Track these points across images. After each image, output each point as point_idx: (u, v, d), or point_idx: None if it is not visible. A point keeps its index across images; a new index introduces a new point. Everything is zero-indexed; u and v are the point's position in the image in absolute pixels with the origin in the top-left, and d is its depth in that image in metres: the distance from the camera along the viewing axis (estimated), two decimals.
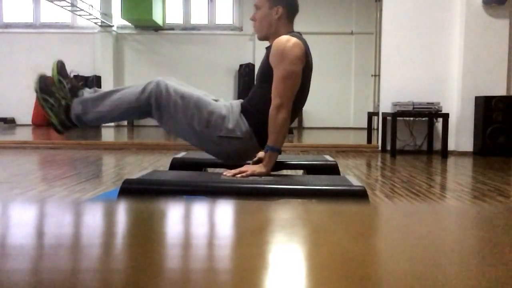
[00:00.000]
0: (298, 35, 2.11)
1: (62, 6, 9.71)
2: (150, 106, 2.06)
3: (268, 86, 2.02)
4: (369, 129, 6.85)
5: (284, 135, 2.00)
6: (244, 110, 2.12)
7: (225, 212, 0.50)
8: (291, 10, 2.16)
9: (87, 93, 2.15)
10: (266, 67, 2.06)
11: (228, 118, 2.08)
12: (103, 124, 2.19)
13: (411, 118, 5.80)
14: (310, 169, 2.36)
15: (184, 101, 2.05)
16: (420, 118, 5.82)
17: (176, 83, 2.11)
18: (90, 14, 10.12)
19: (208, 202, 0.54)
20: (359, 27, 10.95)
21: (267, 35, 2.17)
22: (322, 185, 1.77)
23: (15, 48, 11.29)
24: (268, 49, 2.10)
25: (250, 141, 2.10)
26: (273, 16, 2.13)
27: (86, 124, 2.15)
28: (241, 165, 2.02)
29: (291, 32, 2.14)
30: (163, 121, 2.09)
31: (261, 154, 2.16)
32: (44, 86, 2.13)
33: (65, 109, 2.12)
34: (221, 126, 2.06)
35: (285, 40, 2.02)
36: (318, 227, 0.44)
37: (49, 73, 2.21)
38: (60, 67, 2.17)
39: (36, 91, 2.14)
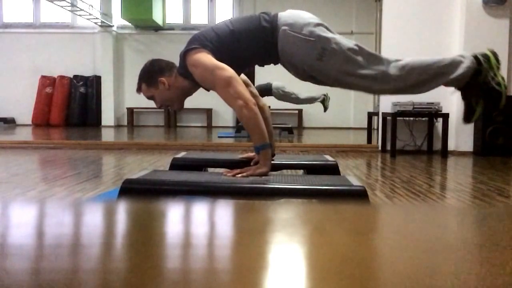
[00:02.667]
0: (180, 58, 2.13)
1: (62, 6, 9.71)
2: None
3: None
4: (369, 129, 6.85)
5: (262, 128, 1.99)
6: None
7: (225, 212, 0.50)
8: (165, 69, 2.21)
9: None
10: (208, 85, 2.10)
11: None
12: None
13: (411, 118, 5.80)
14: (310, 169, 2.36)
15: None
16: (420, 118, 5.82)
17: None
18: (90, 14, 10.12)
19: (208, 202, 0.54)
20: (359, 27, 10.95)
21: (181, 99, 2.26)
22: (322, 185, 1.77)
23: (15, 48, 11.29)
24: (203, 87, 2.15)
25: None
26: (166, 89, 2.20)
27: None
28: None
29: (179, 68, 2.18)
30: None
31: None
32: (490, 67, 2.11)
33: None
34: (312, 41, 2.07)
35: (193, 70, 2.05)
36: (318, 227, 0.44)
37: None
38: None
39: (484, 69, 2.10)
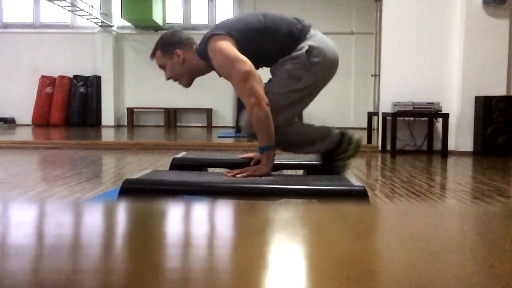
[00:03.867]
0: (205, 37, 2.11)
1: (62, 6, 9.71)
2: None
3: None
4: (369, 129, 6.85)
5: (271, 129, 1.99)
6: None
7: (225, 212, 0.50)
8: (185, 43, 2.19)
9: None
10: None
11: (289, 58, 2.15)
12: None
13: (411, 118, 5.80)
14: (310, 169, 2.36)
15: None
16: (420, 118, 5.82)
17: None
18: (90, 14, 10.12)
19: (208, 202, 0.54)
20: (359, 27, 10.94)
21: (191, 77, 2.23)
22: (322, 185, 1.77)
23: (15, 48, 11.29)
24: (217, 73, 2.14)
25: (311, 40, 2.17)
26: (179, 62, 2.17)
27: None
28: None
29: (198, 49, 2.16)
30: None
31: (259, 155, 2.16)
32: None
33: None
34: (300, 55, 2.12)
35: (214, 56, 2.04)
36: (318, 227, 0.44)
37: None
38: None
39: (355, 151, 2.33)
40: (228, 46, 2.01)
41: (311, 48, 2.10)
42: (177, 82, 2.26)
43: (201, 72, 2.21)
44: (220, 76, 2.14)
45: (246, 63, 1.98)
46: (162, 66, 2.21)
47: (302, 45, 2.10)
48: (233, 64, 1.98)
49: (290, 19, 2.19)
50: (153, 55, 2.23)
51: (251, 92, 1.95)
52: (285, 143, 2.18)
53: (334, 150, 2.22)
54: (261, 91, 1.97)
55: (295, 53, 2.09)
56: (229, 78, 2.04)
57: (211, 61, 2.07)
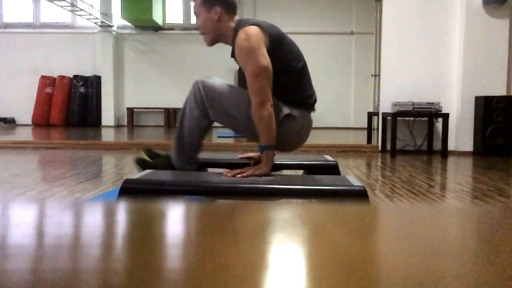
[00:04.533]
0: (247, 21, 2.09)
1: (62, 6, 9.71)
2: (206, 107, 2.10)
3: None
4: (369, 129, 6.85)
5: (273, 130, 1.99)
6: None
7: (225, 212, 0.50)
8: (230, 6, 2.15)
9: (173, 152, 2.23)
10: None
11: (278, 102, 2.10)
12: (199, 152, 2.35)
13: (411, 118, 5.80)
14: (310, 169, 2.36)
15: (237, 95, 2.09)
16: (420, 118, 5.82)
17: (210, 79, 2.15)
18: (90, 14, 10.12)
19: (208, 202, 0.54)
20: (359, 27, 10.94)
21: (215, 38, 2.19)
22: (322, 185, 1.77)
23: (15, 48, 11.29)
24: (233, 54, 2.11)
25: (299, 114, 2.12)
26: (214, 18, 2.13)
27: (191, 167, 2.24)
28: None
29: (238, 24, 2.12)
30: (222, 120, 2.13)
31: (258, 155, 2.16)
32: (144, 165, 2.24)
33: (171, 167, 2.24)
34: (278, 113, 2.08)
35: (241, 39, 2.02)
36: (318, 227, 0.44)
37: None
38: (149, 152, 2.29)
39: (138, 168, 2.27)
40: (260, 38, 2.00)
41: (291, 118, 2.10)
42: (202, 35, 2.22)
43: (226, 41, 2.17)
44: (233, 57, 2.12)
45: (265, 59, 1.98)
46: (196, 13, 2.17)
47: (290, 110, 2.10)
48: (253, 54, 1.97)
49: (311, 83, 2.21)
50: None
51: (259, 90, 1.95)
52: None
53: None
54: (268, 92, 1.97)
55: (276, 108, 2.07)
56: (243, 66, 2.02)
57: (236, 40, 2.04)
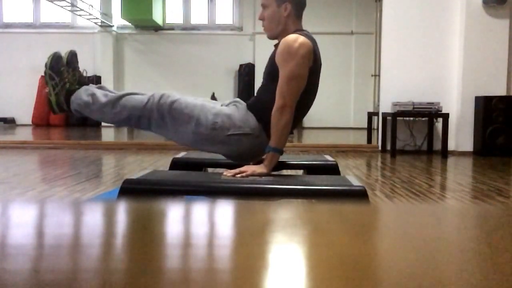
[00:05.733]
0: (307, 33, 2.08)
1: (62, 6, 9.71)
2: (151, 118, 2.06)
3: (276, 85, 2.02)
4: (369, 129, 6.85)
5: (286, 136, 1.99)
6: (251, 106, 2.11)
7: (225, 212, 0.50)
8: (299, 6, 2.15)
9: (95, 88, 2.15)
10: (274, 66, 2.05)
11: (234, 115, 2.06)
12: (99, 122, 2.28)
13: (411, 118, 5.80)
14: (310, 169, 2.36)
15: (188, 109, 2.05)
16: (420, 118, 5.82)
17: (179, 95, 2.12)
18: (90, 14, 10.12)
19: (208, 202, 0.54)
20: (359, 27, 10.94)
21: (277, 34, 2.15)
22: (322, 185, 1.77)
23: (15, 48, 11.29)
24: (276, 46, 2.09)
25: (260, 137, 2.07)
26: (282, 14, 2.12)
27: (83, 115, 2.18)
28: (245, 165, 2.02)
29: (299, 30, 2.12)
30: (165, 132, 2.10)
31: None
32: (55, 64, 2.15)
33: (67, 92, 2.14)
34: (228, 125, 2.05)
35: (293, 39, 2.00)
36: (318, 227, 0.44)
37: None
38: (71, 56, 2.20)
39: (45, 66, 2.17)
40: (308, 52, 1.99)
41: (247, 135, 2.06)
42: (264, 27, 2.20)
43: (282, 36, 2.12)
44: (273, 52, 2.09)
45: (304, 69, 1.97)
46: (264, 5, 2.15)
47: (257, 129, 2.07)
48: (296, 59, 1.96)
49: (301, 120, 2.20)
50: None
51: (287, 94, 1.95)
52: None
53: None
54: (294, 99, 1.97)
55: (243, 121, 2.06)
56: (280, 64, 2.00)
57: (286, 37, 2.02)
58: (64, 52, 2.21)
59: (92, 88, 2.15)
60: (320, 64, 2.12)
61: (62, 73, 2.15)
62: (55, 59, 2.16)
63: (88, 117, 2.20)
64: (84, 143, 6.13)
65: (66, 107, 2.16)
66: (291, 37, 2.02)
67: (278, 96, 1.97)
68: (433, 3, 5.77)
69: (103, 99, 2.10)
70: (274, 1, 2.12)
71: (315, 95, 2.18)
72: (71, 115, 2.24)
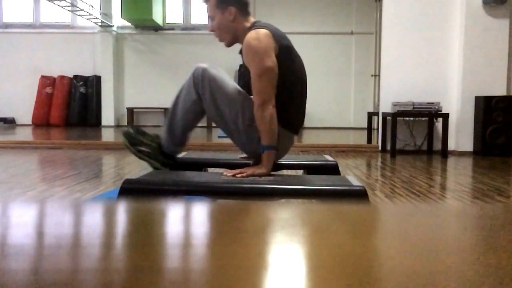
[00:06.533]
0: (261, 24, 2.09)
1: (62, 6, 9.71)
2: (199, 94, 2.09)
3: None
4: (369, 129, 6.85)
5: (275, 131, 1.99)
6: None
7: (225, 212, 0.50)
8: (242, 4, 2.15)
9: (163, 131, 2.26)
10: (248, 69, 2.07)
11: None
12: (189, 137, 2.34)
13: (411, 118, 5.80)
14: (310, 169, 2.36)
15: (234, 97, 2.07)
16: (420, 118, 5.82)
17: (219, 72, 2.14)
18: (90, 14, 10.12)
19: (208, 202, 0.54)
20: (359, 27, 10.94)
21: (233, 39, 2.18)
22: (322, 185, 1.77)
23: (15, 48, 11.29)
24: (241, 52, 2.11)
25: (282, 132, 2.11)
26: (229, 19, 2.13)
27: (178, 148, 2.25)
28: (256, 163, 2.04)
29: (253, 25, 2.12)
30: (210, 112, 2.11)
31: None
32: (131, 138, 2.26)
33: (159, 149, 2.26)
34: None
35: (251, 38, 2.01)
36: (318, 227, 0.44)
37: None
38: (133, 127, 2.32)
39: (128, 147, 2.29)
40: (269, 42, 2.00)
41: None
42: (217, 39, 2.22)
43: (241, 40, 2.15)
44: (240, 53, 2.12)
45: (273, 61, 1.98)
46: (211, 16, 2.17)
47: (278, 129, 2.08)
48: (261, 55, 1.97)
49: (304, 109, 2.22)
50: (207, 0, 2.18)
51: (262, 90, 1.96)
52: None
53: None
54: (271, 93, 1.97)
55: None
56: (248, 64, 2.02)
57: (245, 39, 2.03)
58: (123, 132, 2.32)
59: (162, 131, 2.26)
60: (288, 44, 2.10)
61: (143, 143, 2.27)
62: (129, 135, 2.28)
63: (185, 140, 2.26)
64: (84, 143, 6.13)
65: (169, 158, 2.28)
66: (249, 35, 2.02)
67: (255, 95, 1.98)
68: (433, 3, 5.77)
69: (170, 122, 2.20)
70: (218, 10, 2.14)
71: (303, 78, 2.15)
72: (178, 159, 2.34)
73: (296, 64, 2.12)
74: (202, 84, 2.08)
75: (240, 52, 2.11)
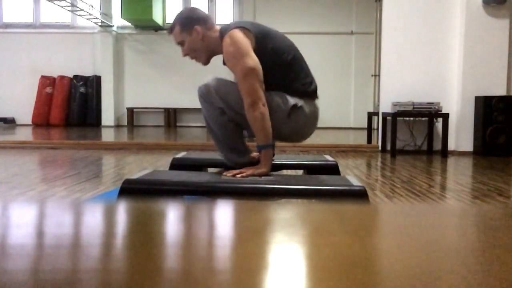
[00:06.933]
0: (230, 26, 2.10)
1: (62, 6, 9.71)
2: (218, 107, 2.09)
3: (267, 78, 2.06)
4: (369, 129, 6.85)
5: (269, 128, 2.00)
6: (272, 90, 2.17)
7: (225, 212, 0.50)
8: (203, 19, 2.18)
9: (219, 152, 2.25)
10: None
11: (283, 95, 2.12)
12: (245, 142, 2.37)
13: (411, 118, 5.80)
14: (310, 169, 2.36)
15: (239, 94, 2.08)
16: (420, 118, 5.82)
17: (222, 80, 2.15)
18: (90, 14, 10.12)
19: (208, 202, 0.54)
20: (359, 27, 10.94)
21: (208, 56, 2.21)
22: (322, 185, 1.77)
23: (15, 48, 11.29)
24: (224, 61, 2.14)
25: (308, 106, 2.14)
26: (198, 38, 2.15)
27: (246, 157, 2.21)
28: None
29: (221, 32, 2.14)
30: (235, 118, 2.11)
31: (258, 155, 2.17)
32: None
33: None
34: (285, 105, 2.10)
35: (227, 44, 2.04)
36: (318, 227, 0.44)
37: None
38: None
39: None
40: (245, 40, 2.02)
41: (298, 108, 2.11)
42: (193, 60, 2.23)
43: (218, 52, 2.19)
44: (225, 65, 2.14)
45: (253, 60, 1.99)
46: (180, 43, 2.19)
47: (296, 100, 2.11)
48: (241, 57, 1.99)
49: (309, 71, 2.21)
50: (171, 30, 2.19)
51: (249, 91, 1.96)
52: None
53: None
54: (259, 91, 1.98)
55: (283, 100, 2.09)
56: (232, 69, 2.05)
57: (223, 46, 2.06)
58: None
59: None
60: (261, 30, 2.11)
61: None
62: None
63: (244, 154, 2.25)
64: (84, 143, 6.13)
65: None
66: (225, 43, 2.05)
67: (244, 96, 1.98)
68: (433, 3, 5.77)
69: (232, 143, 2.18)
70: (184, 33, 2.16)
71: (290, 47, 2.16)
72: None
73: (278, 42, 2.14)
74: (212, 97, 2.09)
75: (224, 63, 2.14)
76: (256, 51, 2.04)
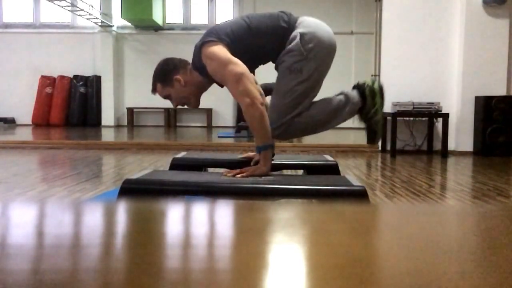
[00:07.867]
0: (197, 46, 2.12)
1: (62, 6, 9.71)
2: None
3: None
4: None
5: (267, 128, 2.00)
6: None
7: (225, 212, 0.50)
8: (180, 67, 2.20)
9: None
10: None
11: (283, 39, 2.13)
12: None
13: (411, 118, 5.80)
14: (310, 169, 2.36)
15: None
16: (420, 118, 5.82)
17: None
18: (90, 14, 10.12)
19: (208, 202, 0.54)
20: (359, 27, 10.94)
21: (198, 96, 2.24)
22: (322, 185, 1.77)
23: (15, 48, 11.29)
24: (218, 84, 2.15)
25: (314, 25, 2.14)
26: (181, 86, 2.17)
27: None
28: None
29: (196, 68, 2.16)
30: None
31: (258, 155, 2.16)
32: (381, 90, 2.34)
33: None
34: (291, 41, 2.11)
35: (210, 64, 2.05)
36: (318, 227, 0.44)
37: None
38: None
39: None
40: (220, 50, 2.03)
41: (302, 35, 2.08)
42: (187, 106, 2.27)
43: (205, 88, 2.23)
44: (220, 85, 2.16)
45: (239, 65, 1.99)
46: (167, 97, 2.22)
47: (293, 34, 2.09)
48: (226, 67, 1.99)
49: (275, 13, 2.17)
50: (154, 90, 2.23)
51: (245, 93, 1.96)
52: (310, 131, 2.20)
53: (362, 109, 2.26)
54: (254, 91, 1.98)
55: (289, 46, 2.08)
56: (223, 81, 2.05)
57: (206, 68, 2.07)
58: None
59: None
60: (229, 31, 2.11)
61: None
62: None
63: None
64: (84, 143, 6.13)
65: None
66: (209, 65, 2.05)
67: (240, 100, 1.98)
68: (433, 3, 5.76)
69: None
70: (167, 88, 2.19)
71: (283, 19, 2.15)
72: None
73: (251, 32, 2.13)
74: (284, 125, 2.14)
75: (218, 84, 2.16)
76: (231, 49, 2.05)
